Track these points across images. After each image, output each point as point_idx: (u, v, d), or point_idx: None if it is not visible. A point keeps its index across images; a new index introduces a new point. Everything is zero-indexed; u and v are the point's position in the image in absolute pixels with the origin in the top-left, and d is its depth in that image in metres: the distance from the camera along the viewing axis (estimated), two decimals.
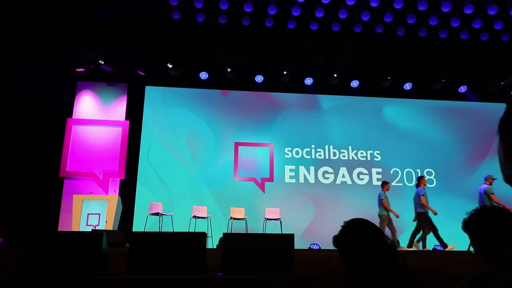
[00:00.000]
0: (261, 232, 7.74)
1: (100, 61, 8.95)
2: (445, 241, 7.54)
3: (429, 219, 7.63)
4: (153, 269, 3.35)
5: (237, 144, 9.38)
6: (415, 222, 7.82)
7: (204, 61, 9.37)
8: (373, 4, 7.75)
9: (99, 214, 7.97)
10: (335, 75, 9.58)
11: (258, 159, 9.37)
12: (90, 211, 8.02)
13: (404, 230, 8.83)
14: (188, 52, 9.11)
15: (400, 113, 10.01)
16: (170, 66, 9.20)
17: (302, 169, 9.37)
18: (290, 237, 3.65)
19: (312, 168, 9.39)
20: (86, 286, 3.08)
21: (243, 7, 7.87)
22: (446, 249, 7.18)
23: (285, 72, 9.43)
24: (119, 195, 8.31)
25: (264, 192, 9.12)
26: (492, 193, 7.36)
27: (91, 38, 8.47)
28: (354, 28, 8.37)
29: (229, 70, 9.36)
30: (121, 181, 8.93)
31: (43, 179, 8.41)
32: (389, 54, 9.12)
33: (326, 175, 9.39)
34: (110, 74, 9.35)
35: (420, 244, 7.53)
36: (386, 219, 7.71)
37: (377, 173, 9.48)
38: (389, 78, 9.70)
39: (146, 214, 8.02)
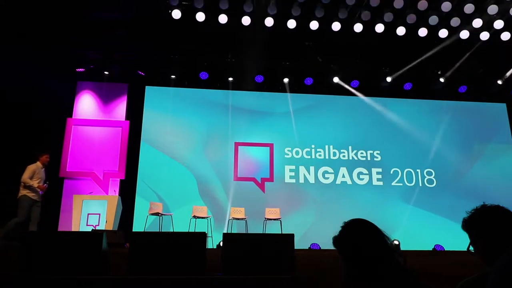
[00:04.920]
0: (261, 232, 7.74)
1: (101, 62, 8.96)
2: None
3: None
4: (153, 269, 3.35)
5: (237, 144, 9.38)
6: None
7: (204, 61, 9.37)
8: (373, 4, 7.75)
9: (99, 214, 7.97)
10: (335, 75, 9.58)
11: (258, 159, 9.37)
12: (90, 211, 8.02)
13: (398, 229, 8.82)
14: (188, 52, 9.11)
15: (400, 113, 10.01)
16: (170, 66, 9.20)
17: (302, 169, 9.37)
18: (290, 237, 3.66)
19: (312, 168, 9.39)
20: (86, 286, 3.08)
21: (243, 7, 7.87)
22: None
23: (286, 72, 9.43)
24: (119, 195, 8.31)
25: (264, 192, 9.12)
26: None
27: (91, 38, 8.47)
28: (354, 28, 8.36)
29: (229, 70, 9.36)
30: (121, 181, 8.93)
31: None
32: (389, 54, 9.11)
33: (326, 175, 9.39)
34: (110, 74, 9.35)
35: None
36: None
37: (377, 173, 9.48)
38: (389, 78, 9.70)
39: (146, 214, 8.02)
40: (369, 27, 8.37)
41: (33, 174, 6.62)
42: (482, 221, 1.52)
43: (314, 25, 8.28)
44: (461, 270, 3.83)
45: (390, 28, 8.40)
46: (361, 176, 9.44)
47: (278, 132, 9.56)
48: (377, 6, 7.80)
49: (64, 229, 8.17)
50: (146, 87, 9.58)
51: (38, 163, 6.81)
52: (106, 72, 9.11)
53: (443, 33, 8.44)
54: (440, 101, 10.14)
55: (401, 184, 9.45)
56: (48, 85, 8.17)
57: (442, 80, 9.65)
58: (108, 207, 7.78)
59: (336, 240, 1.67)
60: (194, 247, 3.47)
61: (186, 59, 9.28)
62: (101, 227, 7.74)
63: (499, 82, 9.80)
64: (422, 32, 8.48)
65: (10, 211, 7.75)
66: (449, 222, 8.89)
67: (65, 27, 7.90)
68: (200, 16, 8.06)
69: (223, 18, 8.11)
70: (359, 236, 1.62)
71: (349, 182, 9.38)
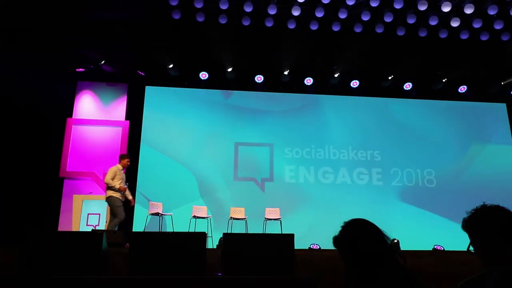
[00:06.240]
0: (261, 232, 7.74)
1: (101, 62, 8.97)
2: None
3: None
4: (153, 269, 3.35)
5: (237, 144, 9.38)
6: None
7: (204, 61, 9.37)
8: (373, 4, 7.74)
9: (99, 214, 7.98)
10: (335, 75, 9.59)
11: (258, 159, 9.37)
12: (90, 211, 8.04)
13: (397, 228, 8.81)
14: (188, 52, 9.11)
15: (400, 113, 10.01)
16: (170, 66, 9.21)
17: (302, 169, 9.37)
18: (290, 237, 3.66)
19: (312, 168, 9.39)
20: (86, 286, 3.08)
21: (243, 7, 7.86)
22: None
23: (285, 73, 9.44)
24: None
25: (264, 192, 9.12)
26: None
27: (91, 38, 8.47)
28: (354, 28, 8.36)
29: (229, 70, 9.37)
30: None
31: (43, 179, 8.40)
32: (389, 54, 9.11)
33: (326, 175, 9.39)
34: (110, 74, 9.35)
35: None
36: None
37: (377, 173, 9.48)
38: (389, 78, 9.71)
39: (146, 214, 8.02)
40: (369, 27, 8.38)
41: (114, 175, 6.82)
42: (482, 221, 1.52)
43: (314, 25, 8.29)
44: (461, 270, 3.83)
45: (390, 28, 8.41)
46: (361, 176, 9.44)
47: (278, 132, 9.56)
48: (377, 6, 7.80)
49: (64, 229, 8.17)
50: (146, 87, 9.59)
51: (119, 165, 7.05)
52: (105, 66, 9.09)
53: (443, 33, 8.45)
54: (440, 101, 10.14)
55: (401, 184, 9.45)
56: (48, 85, 8.18)
57: (443, 80, 9.68)
58: (108, 207, 7.78)
59: (336, 240, 1.67)
60: (194, 247, 3.47)
61: (186, 59, 9.28)
62: (101, 227, 7.75)
63: (502, 83, 9.82)
64: (422, 32, 8.49)
65: (10, 209, 7.77)
66: (449, 222, 8.89)
67: (65, 27, 7.90)
68: (200, 16, 8.07)
69: (223, 18, 8.11)
70: (359, 236, 1.62)
71: (349, 182, 9.38)
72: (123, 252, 4.23)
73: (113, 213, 6.80)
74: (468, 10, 7.90)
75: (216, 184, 9.08)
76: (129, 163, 7.19)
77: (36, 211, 7.90)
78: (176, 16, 8.07)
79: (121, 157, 7.17)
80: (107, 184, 6.80)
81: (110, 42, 8.74)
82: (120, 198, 6.84)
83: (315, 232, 8.68)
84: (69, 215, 8.13)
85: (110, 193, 6.80)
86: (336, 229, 1.70)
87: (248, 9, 7.88)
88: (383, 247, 1.59)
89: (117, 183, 6.80)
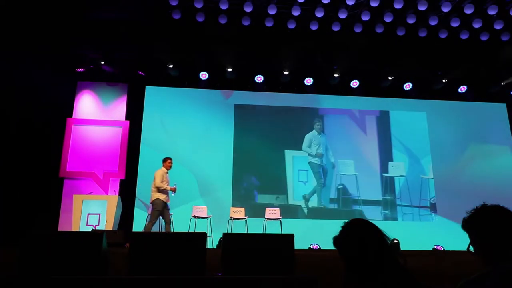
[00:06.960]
0: (261, 232, 7.74)
1: (101, 62, 8.98)
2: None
3: None
4: (153, 269, 3.35)
5: (237, 144, 9.38)
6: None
7: (204, 61, 9.36)
8: (373, 4, 7.74)
9: (99, 214, 7.97)
10: (335, 75, 9.59)
11: (258, 159, 9.36)
12: (90, 211, 8.02)
13: (397, 228, 8.82)
14: (188, 52, 9.10)
15: (400, 113, 10.01)
16: (170, 66, 9.20)
17: (302, 169, 9.37)
18: (290, 237, 3.66)
19: (312, 168, 9.40)
20: (86, 286, 3.08)
21: (243, 7, 7.86)
22: None
23: (285, 73, 9.44)
24: (119, 195, 8.31)
25: (264, 191, 9.12)
26: None
27: (91, 38, 8.47)
28: (354, 28, 8.36)
29: (229, 70, 9.36)
30: (121, 181, 8.93)
31: (43, 179, 8.40)
32: (389, 54, 9.11)
33: (326, 175, 9.39)
34: (110, 74, 9.35)
35: None
36: None
37: (376, 173, 9.48)
38: (389, 78, 9.70)
39: (146, 214, 8.01)
40: (369, 27, 8.38)
41: (162, 178, 6.90)
42: (482, 221, 1.52)
43: (314, 25, 8.29)
44: (461, 270, 3.83)
45: (390, 28, 8.40)
46: (361, 176, 9.44)
47: (278, 132, 9.56)
48: (377, 6, 7.79)
49: (64, 229, 8.17)
50: (146, 87, 9.59)
51: (163, 168, 7.13)
52: (105, 66, 9.10)
53: (443, 33, 8.45)
54: (440, 101, 10.14)
55: (401, 184, 9.44)
56: (48, 85, 8.18)
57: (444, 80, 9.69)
58: (108, 207, 7.78)
59: (336, 240, 1.67)
60: (194, 247, 3.47)
61: (186, 59, 9.27)
62: (101, 227, 7.75)
63: (502, 83, 9.82)
64: (422, 32, 8.48)
65: (10, 209, 7.77)
66: (449, 222, 8.89)
67: (65, 27, 7.90)
68: (200, 16, 8.07)
69: (223, 18, 8.11)
70: (359, 236, 1.62)
71: (349, 182, 9.38)
72: (123, 252, 4.24)
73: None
74: (468, 10, 7.90)
75: (216, 184, 9.08)
76: (171, 164, 7.25)
77: (36, 211, 7.90)
78: (176, 16, 8.07)
79: (164, 160, 7.30)
80: (158, 188, 6.90)
81: (110, 42, 8.73)
82: (165, 200, 6.96)
83: (315, 232, 8.67)
84: (69, 215, 8.12)
85: (157, 195, 6.93)
86: (336, 229, 1.70)
87: (248, 9, 7.87)
88: (383, 247, 1.59)
89: (166, 186, 6.95)
